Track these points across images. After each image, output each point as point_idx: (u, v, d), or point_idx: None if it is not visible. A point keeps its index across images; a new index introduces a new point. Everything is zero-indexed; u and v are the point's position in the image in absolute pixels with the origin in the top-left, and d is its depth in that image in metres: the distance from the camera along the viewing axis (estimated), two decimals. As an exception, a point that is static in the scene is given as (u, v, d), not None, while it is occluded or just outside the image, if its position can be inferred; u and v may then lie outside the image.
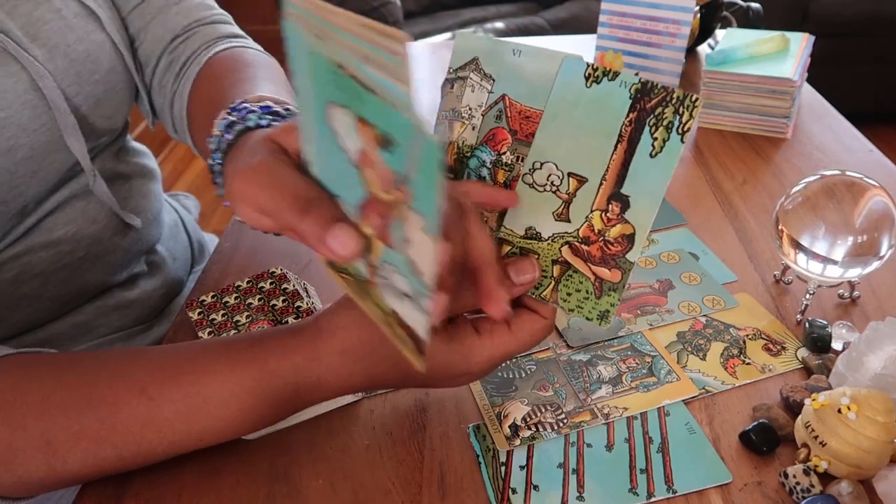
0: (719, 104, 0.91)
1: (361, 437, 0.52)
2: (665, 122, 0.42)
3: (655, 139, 0.43)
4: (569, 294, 0.46)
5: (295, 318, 0.59)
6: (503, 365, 0.57)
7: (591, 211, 0.45)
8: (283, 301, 0.60)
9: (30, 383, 0.45)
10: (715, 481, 0.48)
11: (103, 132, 0.65)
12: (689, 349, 0.58)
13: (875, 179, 0.58)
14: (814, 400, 0.48)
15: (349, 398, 0.54)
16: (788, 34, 0.94)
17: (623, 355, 0.58)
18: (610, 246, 0.45)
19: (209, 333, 0.58)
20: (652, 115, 0.42)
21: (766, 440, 0.49)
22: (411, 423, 0.53)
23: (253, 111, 0.50)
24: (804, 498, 0.45)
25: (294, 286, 0.62)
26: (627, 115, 0.43)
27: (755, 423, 0.50)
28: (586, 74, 0.43)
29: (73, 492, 0.57)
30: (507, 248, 0.47)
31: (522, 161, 0.46)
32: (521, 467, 0.49)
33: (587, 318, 0.46)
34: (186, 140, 0.70)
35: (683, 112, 0.42)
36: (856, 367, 0.52)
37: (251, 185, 0.40)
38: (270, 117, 0.50)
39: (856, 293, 0.63)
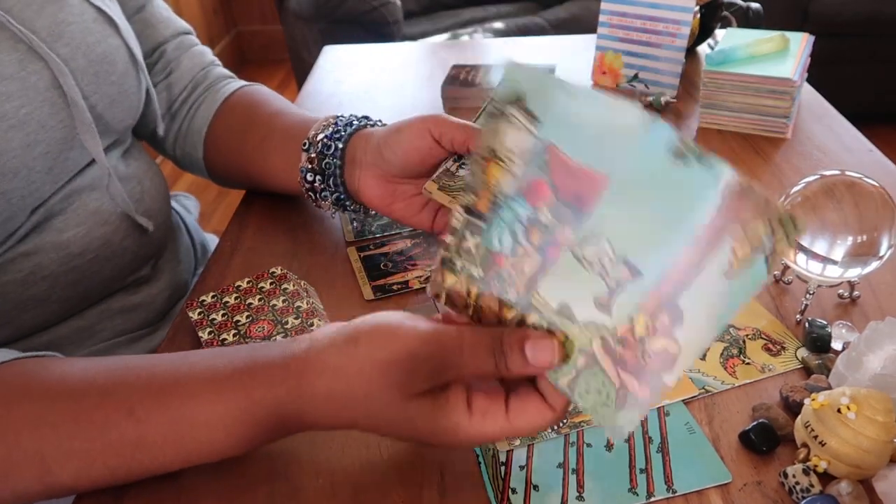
0: (719, 104, 0.91)
1: (361, 438, 0.52)
2: (754, 241, 0.33)
3: (736, 256, 0.34)
4: (587, 392, 0.39)
5: (295, 319, 0.59)
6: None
7: (638, 312, 0.37)
8: (283, 301, 0.60)
9: (21, 400, 0.46)
10: (714, 481, 0.48)
11: (117, 132, 0.67)
12: (689, 349, 0.58)
13: (875, 179, 0.58)
14: (813, 400, 0.48)
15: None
16: (788, 34, 0.94)
17: (623, 355, 0.58)
18: (646, 358, 0.37)
19: (209, 333, 0.58)
20: (740, 227, 0.33)
21: (765, 440, 0.49)
22: (411, 422, 0.53)
23: (369, 119, 0.68)
24: (804, 498, 0.45)
25: (294, 286, 0.62)
26: (711, 216, 0.34)
27: (755, 423, 0.50)
28: (674, 150, 0.34)
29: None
30: (534, 318, 0.41)
31: (562, 227, 0.39)
32: (521, 467, 0.49)
33: (599, 424, 0.40)
34: (188, 143, 0.79)
35: (779, 234, 0.33)
36: (855, 366, 0.52)
37: (434, 118, 0.59)
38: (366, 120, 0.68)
39: (855, 293, 0.63)
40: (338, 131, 0.66)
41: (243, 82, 0.81)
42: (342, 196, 0.67)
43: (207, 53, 0.82)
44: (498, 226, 0.41)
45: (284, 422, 0.45)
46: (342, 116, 0.68)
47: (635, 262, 0.36)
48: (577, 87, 0.37)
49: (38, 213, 0.60)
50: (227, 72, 0.83)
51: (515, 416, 0.42)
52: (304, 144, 0.67)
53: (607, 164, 0.37)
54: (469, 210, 0.42)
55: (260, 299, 0.61)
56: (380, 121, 0.69)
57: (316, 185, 0.68)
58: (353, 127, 0.67)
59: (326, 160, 0.66)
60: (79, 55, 0.61)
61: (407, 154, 0.61)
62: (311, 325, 0.58)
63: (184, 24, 0.81)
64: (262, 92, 0.80)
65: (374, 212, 0.69)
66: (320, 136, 0.67)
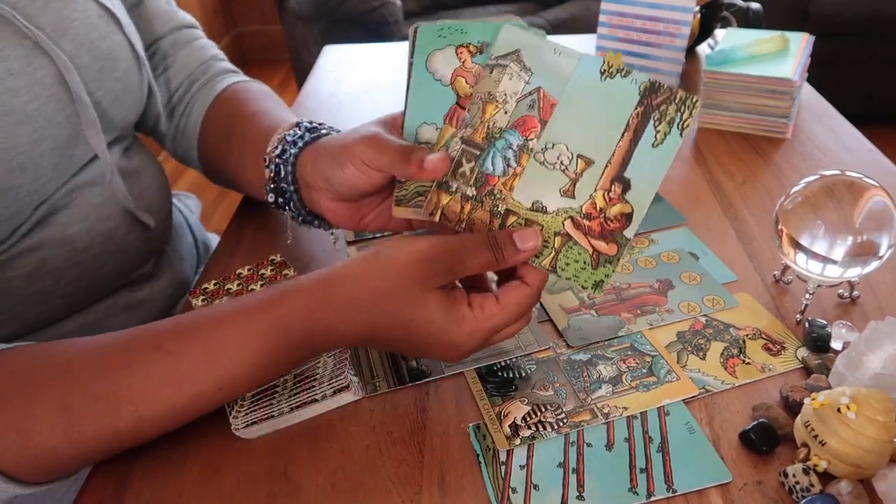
0: (719, 104, 0.91)
1: (361, 437, 0.52)
2: (668, 118, 0.48)
3: (658, 132, 0.48)
4: (567, 264, 0.51)
5: None
6: (503, 364, 0.57)
7: (595, 190, 0.49)
8: None
9: (46, 356, 0.47)
10: (715, 481, 0.48)
11: (119, 128, 0.67)
12: (689, 349, 0.58)
13: (875, 179, 0.58)
14: (813, 399, 0.48)
15: (349, 398, 0.54)
16: (788, 34, 0.94)
17: (623, 355, 0.58)
18: (609, 223, 0.50)
19: None
20: (657, 111, 0.48)
21: (765, 440, 0.49)
22: (411, 423, 0.53)
23: (320, 126, 0.64)
24: (804, 497, 0.45)
25: (294, 273, 0.62)
26: (635, 109, 0.48)
27: (755, 423, 0.50)
28: (601, 70, 0.48)
29: (73, 492, 0.57)
30: (512, 219, 0.51)
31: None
32: (521, 467, 0.49)
33: (582, 287, 0.51)
34: (185, 142, 0.77)
35: (684, 111, 0.47)
36: (855, 366, 0.52)
37: (368, 147, 0.52)
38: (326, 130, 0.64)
39: (855, 293, 0.63)
40: (285, 151, 0.61)
41: (239, 77, 0.78)
42: (307, 217, 0.63)
43: (209, 48, 0.80)
44: (491, 152, 0.51)
45: (312, 335, 0.48)
46: (297, 128, 0.62)
47: (588, 154, 0.49)
48: (560, 47, 0.49)
49: (42, 209, 0.60)
50: (229, 66, 0.80)
51: (504, 300, 0.49)
52: (265, 160, 0.62)
53: (560, 90, 0.49)
54: (466, 141, 0.51)
55: (262, 285, 0.61)
56: (331, 129, 0.63)
57: (280, 203, 0.63)
58: (298, 147, 0.60)
59: (280, 183, 0.61)
60: (83, 51, 0.61)
61: (354, 186, 0.55)
62: None
63: (185, 18, 0.80)
64: (249, 90, 0.76)
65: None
66: (274, 154, 0.61)
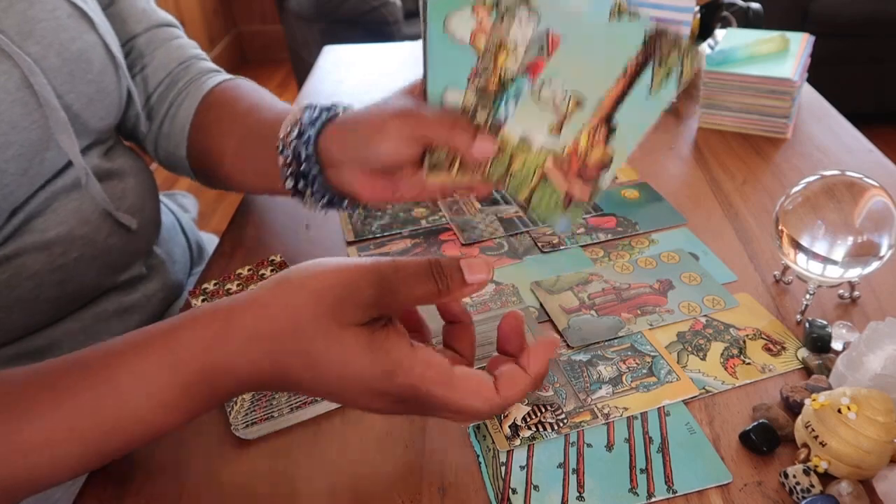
0: (719, 104, 0.91)
1: (361, 437, 0.52)
2: (668, 66, 0.47)
3: (655, 79, 0.48)
4: (540, 201, 0.53)
5: None
6: (503, 365, 0.57)
7: (581, 131, 0.50)
8: None
9: None
10: (715, 481, 0.48)
11: (95, 132, 0.65)
12: (689, 349, 0.58)
13: (875, 179, 0.58)
14: (814, 400, 0.48)
15: (349, 398, 0.54)
16: (788, 34, 0.94)
17: (623, 355, 0.58)
18: (588, 166, 0.51)
19: None
20: (658, 57, 0.47)
21: (766, 440, 0.49)
22: (411, 423, 0.53)
23: (335, 104, 0.61)
24: (804, 498, 0.45)
25: None
26: (637, 54, 0.47)
27: (755, 423, 0.50)
28: (611, 11, 0.47)
29: (72, 493, 0.57)
30: (500, 151, 0.52)
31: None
32: (522, 467, 0.49)
33: (549, 225, 0.54)
34: (170, 143, 0.74)
35: (686, 61, 0.47)
36: (856, 367, 0.52)
37: (405, 121, 0.52)
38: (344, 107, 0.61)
39: (856, 293, 0.63)
40: (303, 133, 0.59)
41: (226, 76, 0.76)
42: (333, 198, 0.62)
43: (189, 47, 0.77)
44: (504, 98, 0.51)
45: (210, 374, 0.40)
46: (310, 109, 0.61)
47: (582, 93, 0.49)
48: None
49: (19, 216, 0.59)
50: (211, 65, 0.78)
51: (459, 377, 0.41)
52: (279, 146, 0.61)
53: (566, 28, 0.48)
54: (479, 91, 0.51)
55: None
56: (344, 108, 0.61)
57: (300, 188, 0.62)
58: (317, 127, 0.59)
59: (303, 165, 0.60)
60: (51, 53, 0.59)
61: (392, 161, 0.55)
62: None
63: (163, 17, 0.77)
64: (240, 87, 0.74)
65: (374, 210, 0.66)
66: (291, 138, 0.60)
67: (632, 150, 0.50)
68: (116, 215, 0.65)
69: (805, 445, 0.48)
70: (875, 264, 0.57)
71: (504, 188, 0.54)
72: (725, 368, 0.56)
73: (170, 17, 0.78)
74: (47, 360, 0.43)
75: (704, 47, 1.13)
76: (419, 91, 0.53)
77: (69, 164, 0.62)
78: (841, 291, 0.63)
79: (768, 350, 0.58)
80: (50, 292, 0.62)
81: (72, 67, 0.61)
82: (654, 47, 0.47)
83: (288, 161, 0.60)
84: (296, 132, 0.60)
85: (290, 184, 0.61)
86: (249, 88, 0.74)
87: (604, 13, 0.47)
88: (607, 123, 0.49)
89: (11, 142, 0.55)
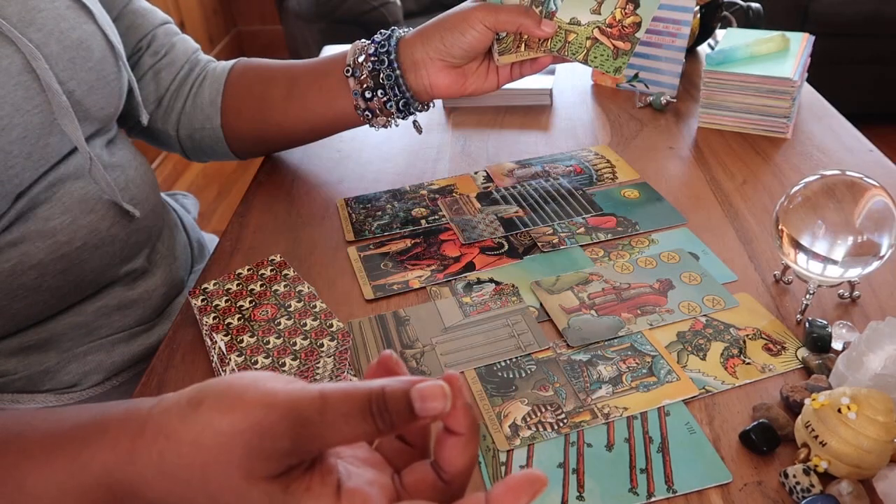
0: (719, 104, 0.91)
1: (361, 437, 0.52)
2: None
3: None
4: (595, 57, 0.73)
5: (297, 302, 0.59)
6: (502, 364, 0.57)
7: (615, 7, 0.72)
8: (285, 286, 0.60)
9: None
10: (715, 481, 0.48)
11: (97, 120, 0.67)
12: (689, 349, 0.58)
13: (875, 179, 0.58)
14: (814, 400, 0.48)
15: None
16: (788, 34, 0.94)
17: (623, 355, 0.58)
18: (625, 28, 0.72)
19: (214, 318, 0.58)
20: None
21: (766, 440, 0.49)
22: (411, 422, 0.53)
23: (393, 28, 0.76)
24: (804, 498, 0.45)
25: (294, 272, 0.62)
26: None
27: (755, 423, 0.50)
28: None
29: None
30: (557, 31, 0.73)
31: None
32: (521, 467, 0.49)
33: (606, 70, 0.73)
34: (197, 116, 0.81)
35: None
36: (856, 366, 0.52)
37: (487, 11, 0.70)
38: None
39: (856, 293, 0.63)
40: (382, 46, 0.74)
41: (234, 60, 0.84)
42: (409, 99, 0.75)
43: (192, 40, 0.85)
44: None
45: (114, 494, 0.36)
46: (372, 38, 0.75)
47: None
48: None
49: (23, 202, 0.60)
50: (209, 57, 0.86)
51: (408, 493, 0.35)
52: (347, 71, 0.74)
53: None
54: None
55: (262, 285, 0.61)
56: (406, 29, 0.76)
57: (374, 102, 0.75)
58: (395, 39, 0.74)
59: (382, 75, 0.73)
60: (52, 41, 0.61)
61: (472, 48, 0.71)
62: (314, 307, 0.58)
63: (165, 15, 0.83)
64: (262, 59, 0.84)
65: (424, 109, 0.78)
66: (361, 59, 0.74)
67: (653, 12, 0.72)
68: (121, 203, 0.66)
69: (805, 445, 0.48)
70: (875, 264, 0.57)
71: (565, 53, 0.74)
72: (725, 368, 0.56)
73: (167, 15, 0.84)
74: None
75: (704, 47, 1.13)
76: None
77: (73, 151, 0.63)
78: (841, 291, 0.63)
79: (768, 350, 0.58)
80: (53, 281, 0.63)
81: (72, 54, 0.62)
82: None
83: (361, 78, 0.74)
84: (371, 49, 0.74)
85: (367, 96, 0.74)
86: (268, 60, 0.83)
87: None
88: (632, 0, 0.72)
89: (15, 124, 0.56)
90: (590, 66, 0.74)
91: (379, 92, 0.74)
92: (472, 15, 0.70)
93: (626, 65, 0.73)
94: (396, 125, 0.79)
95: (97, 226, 0.65)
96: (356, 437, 0.32)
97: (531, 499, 0.32)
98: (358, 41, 0.76)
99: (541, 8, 0.72)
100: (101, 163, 0.66)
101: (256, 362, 0.55)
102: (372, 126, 0.78)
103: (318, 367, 0.55)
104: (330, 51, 1.26)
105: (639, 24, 0.72)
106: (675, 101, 0.99)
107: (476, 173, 0.85)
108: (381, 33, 0.75)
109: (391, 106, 0.75)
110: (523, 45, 0.74)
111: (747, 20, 1.11)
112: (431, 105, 0.78)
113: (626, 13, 0.72)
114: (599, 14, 0.72)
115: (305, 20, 2.34)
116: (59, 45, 0.61)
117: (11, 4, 0.58)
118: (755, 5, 1.11)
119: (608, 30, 0.72)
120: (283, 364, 0.54)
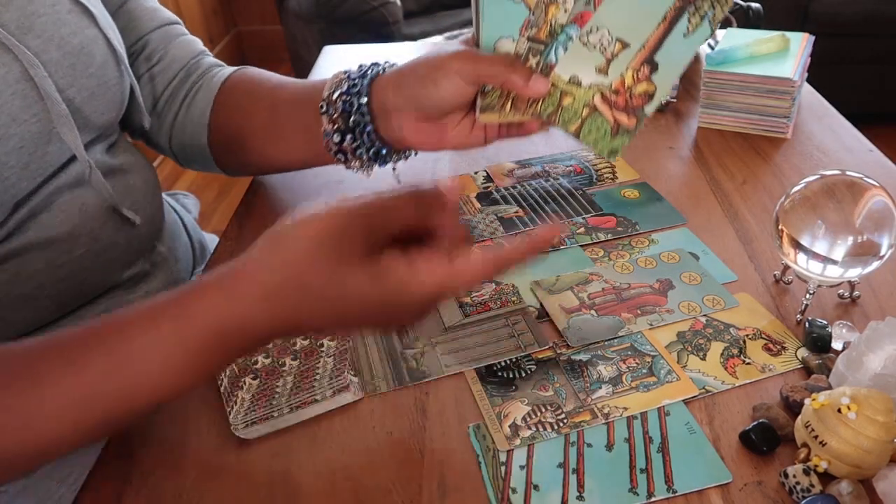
0: (719, 104, 0.91)
1: (361, 437, 0.52)
2: (701, 12, 0.54)
3: (691, 23, 0.55)
4: (590, 131, 0.60)
5: (303, 340, 0.59)
6: (502, 364, 0.57)
7: (627, 69, 0.57)
8: None
9: None
10: (715, 481, 0.48)
11: (97, 126, 0.66)
12: (689, 349, 0.58)
13: (875, 179, 0.58)
14: (814, 400, 0.48)
15: (349, 398, 0.54)
16: (788, 34, 0.94)
17: (623, 355, 0.58)
18: (633, 98, 0.58)
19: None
20: (693, 5, 0.54)
21: (766, 440, 0.49)
22: (411, 423, 0.53)
23: (376, 64, 0.66)
24: (804, 498, 0.45)
25: None
26: (675, 2, 0.55)
27: (755, 423, 0.50)
28: None
29: (73, 490, 0.57)
30: (552, 90, 0.59)
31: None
32: (521, 467, 0.49)
33: (599, 152, 0.60)
34: (187, 132, 0.76)
35: (717, 7, 0.54)
36: (856, 366, 0.52)
37: (465, 61, 0.57)
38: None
39: (856, 293, 0.63)
40: (354, 85, 0.64)
41: (235, 67, 0.79)
42: (380, 149, 0.66)
43: (197, 43, 0.80)
44: (554, 45, 0.57)
45: (224, 337, 0.42)
46: (351, 70, 0.66)
47: (626, 38, 0.57)
48: None
49: (22, 212, 0.58)
50: (217, 61, 0.81)
51: (457, 259, 0.43)
52: (322, 107, 0.66)
53: None
54: (532, 39, 0.57)
55: None
56: (388, 63, 0.66)
57: (345, 145, 0.66)
58: (368, 78, 0.64)
59: (353, 118, 0.64)
60: (51, 47, 0.59)
61: (447, 102, 0.60)
62: (321, 345, 0.58)
63: (170, 15, 0.79)
64: (258, 71, 0.78)
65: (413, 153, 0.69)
66: (336, 95, 0.65)
67: (673, 81, 0.58)
68: (121, 210, 0.65)
69: (805, 445, 0.48)
70: (875, 264, 0.57)
71: (555, 122, 0.60)
72: (725, 368, 0.56)
73: (174, 16, 0.80)
74: (59, 331, 0.44)
75: (704, 47, 1.13)
76: (472, 43, 0.59)
77: (73, 159, 0.62)
78: (841, 291, 0.63)
79: (768, 350, 0.58)
80: (53, 289, 0.62)
81: (73, 61, 0.61)
82: None
83: (334, 118, 0.65)
84: (344, 87, 0.64)
85: (336, 139, 0.65)
86: (267, 72, 0.77)
87: None
88: (650, 63, 0.57)
89: (11, 134, 0.55)
90: (581, 142, 0.60)
91: (348, 137, 0.65)
92: (446, 64, 0.58)
93: (625, 146, 0.59)
94: (368, 175, 0.70)
95: (98, 233, 0.64)
96: (407, 223, 0.43)
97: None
98: (340, 71, 0.67)
99: (538, 58, 0.58)
100: (102, 167, 0.65)
101: (256, 362, 0.55)
102: (349, 169, 0.69)
103: (317, 367, 0.55)
104: (330, 51, 1.26)
105: (651, 96, 0.58)
106: (675, 101, 0.99)
107: (476, 173, 0.85)
108: (360, 67, 0.66)
109: (361, 153, 0.67)
110: (510, 103, 0.60)
111: (747, 20, 1.11)
112: (412, 153, 0.70)
113: (638, 77, 0.58)
114: (606, 75, 0.58)
115: (305, 20, 2.35)
116: (59, 52, 0.60)
117: (9, 10, 0.57)
118: (755, 5, 1.11)
119: (612, 97, 0.58)
120: (283, 364, 0.55)
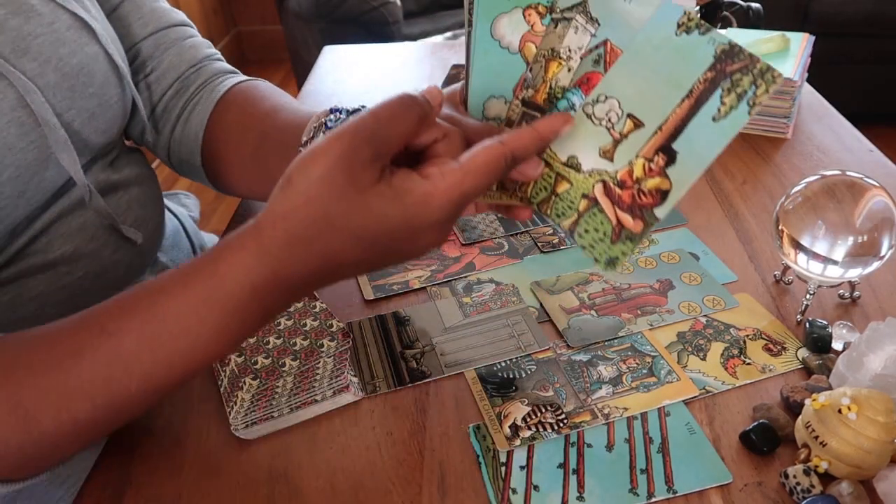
0: (719, 104, 0.91)
1: (361, 437, 0.52)
2: (739, 90, 0.40)
3: (724, 104, 0.41)
4: (586, 231, 0.46)
5: (297, 302, 0.58)
6: (503, 364, 0.57)
7: (637, 157, 0.44)
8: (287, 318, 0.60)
9: None
10: (715, 481, 0.48)
11: (98, 146, 0.63)
12: (690, 349, 0.58)
13: (875, 179, 0.58)
14: (814, 400, 0.48)
15: (349, 398, 0.54)
16: (788, 34, 0.94)
17: (623, 355, 0.58)
18: (643, 196, 0.44)
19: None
20: (728, 79, 0.41)
21: (766, 440, 0.49)
22: (411, 423, 0.53)
23: (362, 106, 0.60)
24: (804, 498, 0.45)
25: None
26: (705, 73, 0.41)
27: (755, 424, 0.50)
28: (679, 22, 0.42)
29: (72, 492, 0.57)
30: (545, 171, 0.47)
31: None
32: (522, 467, 0.49)
33: (595, 260, 0.46)
34: (183, 149, 0.72)
35: (760, 85, 0.40)
36: (856, 367, 0.52)
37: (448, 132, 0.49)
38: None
39: (856, 293, 0.63)
40: (331, 129, 0.61)
41: (242, 77, 0.74)
42: None
43: (203, 47, 0.74)
44: (551, 112, 0.47)
45: (257, 293, 0.42)
46: (336, 110, 0.62)
47: (639, 115, 0.44)
48: None
49: (22, 239, 0.57)
50: (226, 66, 0.75)
51: (469, 163, 0.42)
52: (304, 145, 0.61)
53: (626, 40, 0.44)
54: (526, 103, 0.47)
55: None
56: (363, 107, 0.61)
57: None
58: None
59: None
60: (49, 70, 0.56)
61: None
62: (314, 307, 0.58)
63: (174, 17, 0.74)
64: (259, 88, 0.72)
65: None
66: (319, 137, 0.58)
67: (695, 179, 0.43)
68: (122, 229, 0.63)
69: (805, 445, 0.48)
70: (875, 264, 0.57)
71: (547, 212, 0.48)
72: (726, 368, 0.56)
73: (182, 17, 0.75)
74: (92, 307, 0.44)
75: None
76: (460, 98, 0.50)
77: (71, 182, 0.60)
78: (841, 291, 0.63)
79: (768, 350, 0.58)
80: (53, 311, 0.60)
81: (72, 82, 0.58)
82: (725, 67, 0.41)
83: None
84: (321, 135, 0.59)
85: None
86: (266, 90, 0.72)
87: (671, 25, 0.42)
88: (667, 151, 0.43)
89: (7, 164, 0.53)
90: (577, 242, 0.47)
91: None
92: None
93: (627, 256, 0.45)
94: None
95: (99, 253, 0.62)
96: (408, 129, 0.42)
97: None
98: (326, 110, 0.62)
99: None
100: (104, 184, 0.63)
101: (256, 362, 0.55)
102: None
103: (317, 368, 0.55)
104: (330, 51, 1.26)
105: (665, 195, 0.43)
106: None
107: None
108: (337, 111, 0.61)
109: None
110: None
111: (747, 20, 1.11)
112: None
113: (651, 169, 0.44)
114: (611, 161, 0.45)
115: (305, 20, 2.34)
116: (57, 74, 0.57)
117: (3, 33, 0.53)
118: (755, 5, 1.11)
119: (617, 190, 0.45)
120: (283, 364, 0.55)
